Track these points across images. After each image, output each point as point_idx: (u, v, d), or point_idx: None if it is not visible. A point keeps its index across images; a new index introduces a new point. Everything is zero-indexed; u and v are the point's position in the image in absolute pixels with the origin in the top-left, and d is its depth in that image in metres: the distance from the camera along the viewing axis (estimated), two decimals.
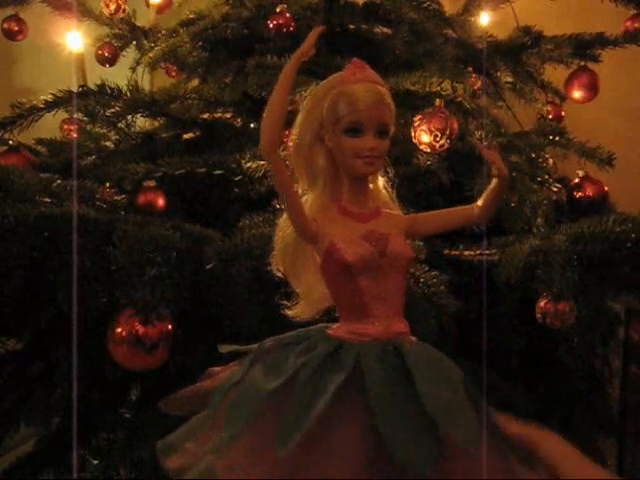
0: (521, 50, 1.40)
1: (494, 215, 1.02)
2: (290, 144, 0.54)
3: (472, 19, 1.54)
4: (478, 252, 0.99)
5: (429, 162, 1.05)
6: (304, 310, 0.56)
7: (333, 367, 0.48)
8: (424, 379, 0.46)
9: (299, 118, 0.54)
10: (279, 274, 0.57)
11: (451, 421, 0.45)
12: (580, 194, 1.21)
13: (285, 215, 0.55)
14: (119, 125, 1.26)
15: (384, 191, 0.56)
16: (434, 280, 0.84)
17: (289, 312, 0.57)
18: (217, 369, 0.58)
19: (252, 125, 1.20)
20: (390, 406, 0.46)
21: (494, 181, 0.55)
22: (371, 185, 0.55)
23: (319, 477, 0.45)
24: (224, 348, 0.61)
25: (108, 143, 1.28)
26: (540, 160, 1.20)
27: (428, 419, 0.45)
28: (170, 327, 0.75)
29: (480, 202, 0.54)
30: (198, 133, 1.24)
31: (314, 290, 0.55)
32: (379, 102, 0.52)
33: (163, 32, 1.45)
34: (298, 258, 0.55)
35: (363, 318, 0.51)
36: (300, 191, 0.55)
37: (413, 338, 0.53)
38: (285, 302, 0.57)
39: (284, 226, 0.55)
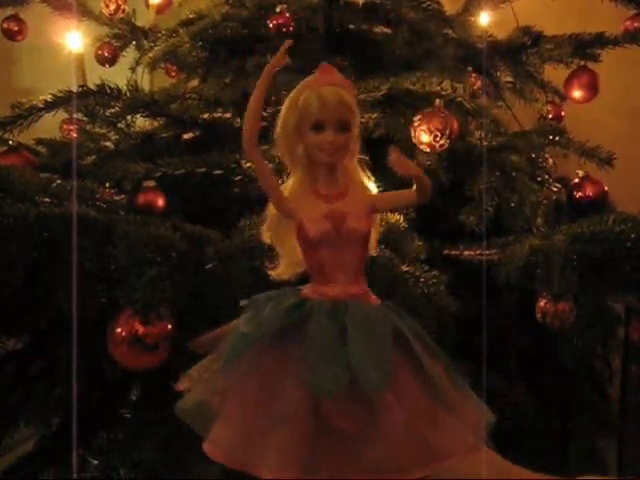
0: (521, 50, 1.40)
1: (494, 215, 1.04)
2: (275, 133, 0.64)
3: (472, 19, 1.54)
4: (478, 252, 0.99)
5: (429, 162, 1.05)
6: (285, 270, 0.67)
7: (293, 316, 0.60)
8: (353, 331, 0.57)
9: (281, 113, 0.63)
10: (267, 241, 0.67)
11: (363, 365, 0.55)
12: (580, 194, 1.21)
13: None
14: (119, 125, 1.26)
15: (358, 172, 0.66)
16: (434, 280, 0.84)
17: (272, 272, 0.67)
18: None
19: None
20: (319, 348, 0.56)
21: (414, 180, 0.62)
22: (349, 166, 0.65)
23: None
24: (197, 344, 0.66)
25: (108, 143, 1.28)
26: (540, 160, 1.20)
27: (346, 365, 0.55)
28: (170, 327, 0.75)
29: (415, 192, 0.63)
30: (198, 133, 1.24)
31: (294, 254, 0.65)
32: (339, 102, 0.61)
33: (163, 32, 1.44)
34: (281, 228, 0.65)
35: (325, 282, 0.61)
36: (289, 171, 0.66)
37: (373, 298, 0.63)
38: (269, 265, 0.68)
39: (271, 205, 0.66)
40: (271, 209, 0.65)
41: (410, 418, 0.56)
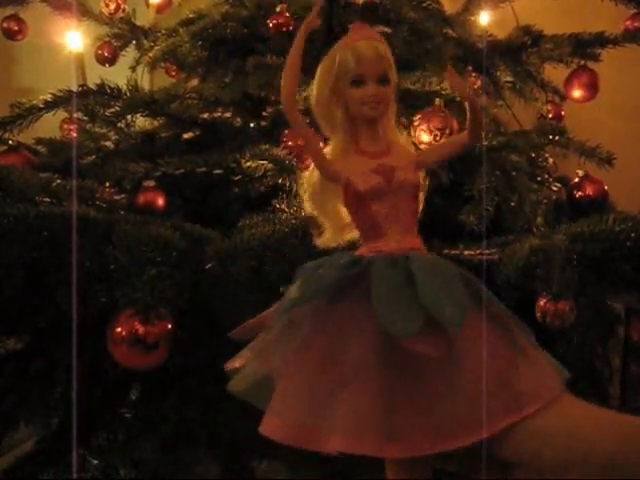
0: (521, 49, 1.40)
1: (494, 215, 1.03)
2: (311, 100, 0.63)
3: (472, 18, 1.54)
4: (478, 252, 0.99)
5: None
6: (333, 237, 0.65)
7: (349, 272, 0.57)
8: (421, 275, 0.54)
9: (316, 78, 0.63)
10: (310, 211, 0.65)
11: (438, 304, 0.52)
12: (580, 193, 1.21)
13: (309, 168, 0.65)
14: (119, 125, 1.26)
15: (397, 132, 0.65)
16: None
17: (318, 241, 0.65)
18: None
19: (252, 125, 1.20)
20: (387, 293, 0.54)
21: (467, 105, 0.60)
22: (387, 127, 0.63)
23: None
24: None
25: (108, 143, 1.28)
26: (540, 159, 1.20)
27: (419, 304, 0.52)
28: (170, 327, 0.75)
29: (467, 129, 0.61)
30: (198, 133, 1.24)
31: (339, 218, 0.64)
32: (376, 55, 0.61)
33: (163, 32, 1.44)
34: (325, 194, 0.63)
35: (379, 237, 0.59)
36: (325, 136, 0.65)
37: (425, 252, 0.61)
38: (314, 232, 0.66)
39: (309, 174, 0.65)
40: (310, 178, 0.64)
41: (494, 364, 0.53)
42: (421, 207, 0.65)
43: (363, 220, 0.60)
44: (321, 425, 0.52)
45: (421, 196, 0.64)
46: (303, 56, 0.60)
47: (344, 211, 0.63)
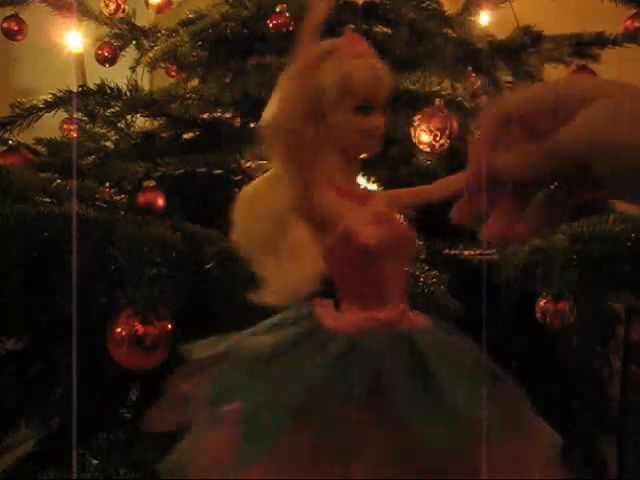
0: (521, 49, 1.40)
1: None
2: (266, 123, 0.48)
3: (472, 19, 1.54)
4: (478, 252, 0.99)
5: (429, 162, 1.05)
6: (280, 292, 0.50)
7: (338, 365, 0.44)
8: (440, 371, 0.43)
9: (287, 90, 0.47)
10: (243, 250, 0.51)
11: (464, 404, 0.42)
12: None
13: (249, 187, 0.52)
14: (119, 125, 1.26)
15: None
16: (434, 280, 0.84)
17: (265, 299, 0.50)
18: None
19: (252, 125, 1.20)
20: (410, 396, 0.43)
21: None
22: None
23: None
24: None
25: (108, 143, 1.28)
26: None
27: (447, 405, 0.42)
28: (170, 327, 0.75)
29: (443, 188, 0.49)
30: (198, 133, 1.24)
31: (299, 267, 0.49)
32: (388, 80, 0.49)
33: (163, 32, 1.44)
34: (281, 228, 0.49)
35: (381, 305, 0.46)
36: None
37: (420, 318, 0.50)
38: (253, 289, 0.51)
39: (251, 193, 0.51)
40: (254, 199, 0.51)
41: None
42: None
43: (363, 283, 0.46)
44: None
45: None
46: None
47: (309, 259, 0.48)
